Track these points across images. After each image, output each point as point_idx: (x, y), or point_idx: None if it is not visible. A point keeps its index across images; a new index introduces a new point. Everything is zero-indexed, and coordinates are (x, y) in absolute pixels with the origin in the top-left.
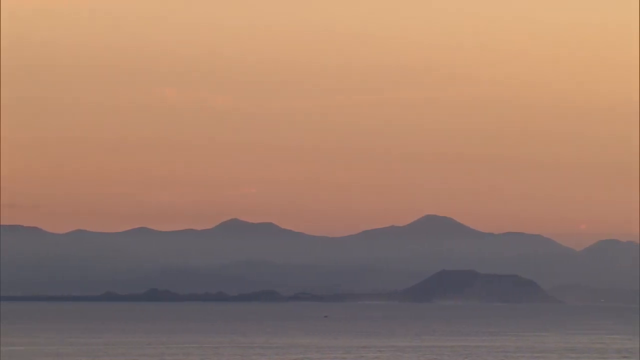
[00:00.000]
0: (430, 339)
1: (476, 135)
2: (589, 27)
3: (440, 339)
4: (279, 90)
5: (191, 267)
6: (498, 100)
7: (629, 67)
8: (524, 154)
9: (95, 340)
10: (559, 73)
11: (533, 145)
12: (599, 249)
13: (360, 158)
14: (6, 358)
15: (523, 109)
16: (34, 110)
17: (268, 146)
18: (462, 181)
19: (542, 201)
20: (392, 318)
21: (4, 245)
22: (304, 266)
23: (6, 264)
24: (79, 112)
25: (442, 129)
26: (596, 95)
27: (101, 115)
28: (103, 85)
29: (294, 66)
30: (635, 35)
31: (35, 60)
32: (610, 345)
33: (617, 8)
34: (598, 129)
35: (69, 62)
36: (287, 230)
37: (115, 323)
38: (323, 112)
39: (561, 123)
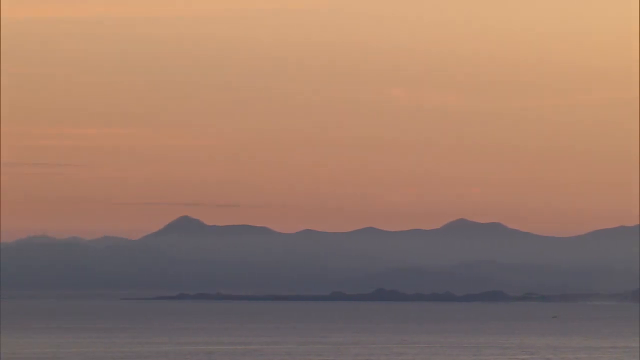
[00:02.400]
0: None
1: None
2: None
3: None
4: (508, 90)
5: (418, 267)
6: None
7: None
8: None
9: (327, 340)
10: None
11: None
12: None
13: (590, 158)
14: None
15: None
16: (268, 108)
17: (496, 146)
18: None
19: None
20: (623, 319)
21: (232, 244)
22: (531, 266)
23: (236, 264)
24: (310, 109)
25: None
26: None
27: (331, 114)
28: (338, 83)
29: (525, 66)
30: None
31: (267, 55)
32: None
33: None
34: None
35: (295, 58)
36: (515, 230)
37: (344, 322)
38: (554, 111)
39: None
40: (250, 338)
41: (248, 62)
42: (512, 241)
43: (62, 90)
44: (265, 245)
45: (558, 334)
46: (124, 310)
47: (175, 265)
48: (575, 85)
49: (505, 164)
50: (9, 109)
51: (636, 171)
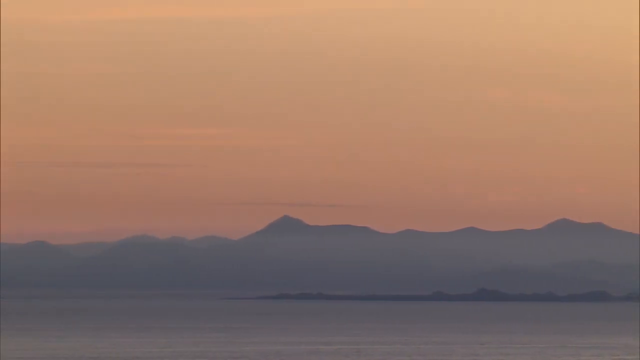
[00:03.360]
0: None
1: None
2: None
3: None
4: (609, 90)
5: (520, 267)
6: None
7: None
8: None
9: (431, 340)
10: None
11: None
12: None
13: None
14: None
15: None
16: (371, 107)
17: (598, 146)
18: None
19: None
20: None
21: (333, 244)
22: (634, 267)
23: (337, 264)
24: (413, 109)
25: None
26: None
27: (434, 114)
28: (440, 83)
29: (625, 65)
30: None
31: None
32: None
33: None
34: None
35: (401, 58)
36: (617, 230)
37: (447, 322)
38: None
39: None
40: (353, 338)
41: (352, 61)
42: (614, 241)
43: (162, 90)
44: (366, 245)
45: None
46: (226, 310)
47: (277, 265)
48: None
49: (608, 164)
50: (112, 109)
51: None
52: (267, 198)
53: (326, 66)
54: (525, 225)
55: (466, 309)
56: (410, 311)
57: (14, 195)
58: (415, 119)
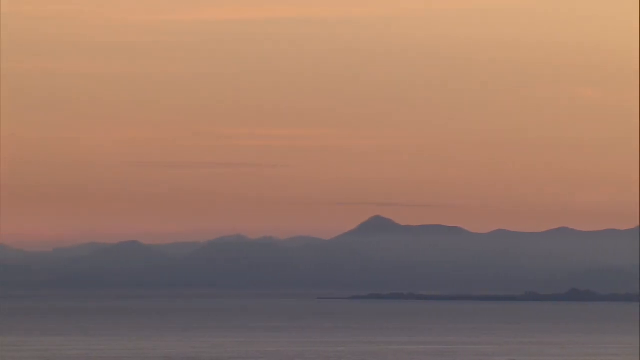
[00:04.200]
0: None
1: None
2: None
3: None
4: None
5: (613, 267)
6: None
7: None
8: None
9: (525, 340)
10: None
11: None
12: None
13: None
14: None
15: None
16: (462, 108)
17: None
18: None
19: None
20: None
21: (425, 244)
22: None
23: (428, 264)
24: (505, 109)
25: None
26: None
27: (526, 114)
28: (534, 83)
29: None
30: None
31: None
32: None
33: None
34: None
35: (489, 58)
36: None
37: (540, 323)
38: None
39: None
40: (445, 338)
41: (445, 60)
42: None
43: (254, 90)
44: (458, 245)
45: None
46: (317, 309)
47: (368, 265)
48: None
49: None
50: (202, 109)
51: None
52: (359, 198)
53: (418, 66)
54: (617, 225)
55: (558, 309)
56: (502, 311)
57: (108, 194)
58: (508, 119)
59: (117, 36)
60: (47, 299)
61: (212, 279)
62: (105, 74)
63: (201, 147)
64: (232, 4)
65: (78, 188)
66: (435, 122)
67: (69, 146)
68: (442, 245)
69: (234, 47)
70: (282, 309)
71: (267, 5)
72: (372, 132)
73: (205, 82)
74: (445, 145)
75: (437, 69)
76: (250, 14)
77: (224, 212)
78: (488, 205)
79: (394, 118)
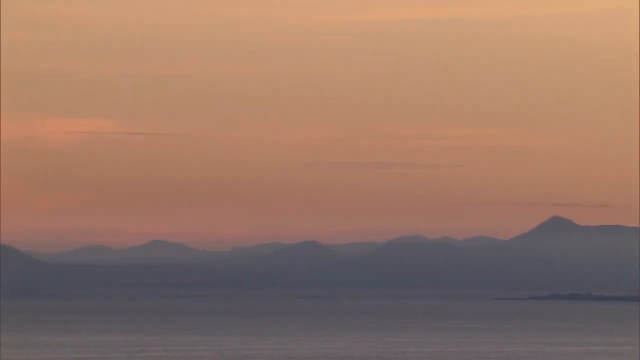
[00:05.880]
0: None
1: None
2: None
3: None
4: None
5: None
6: None
7: None
8: None
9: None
10: None
11: None
12: None
13: None
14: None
15: None
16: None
17: None
18: None
19: None
20: None
21: (604, 245)
22: None
23: (607, 264)
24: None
25: None
26: None
27: None
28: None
29: None
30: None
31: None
32: None
33: None
34: None
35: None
36: None
37: None
38: None
39: None
40: (625, 339)
41: (619, 62)
42: None
43: (433, 90)
44: (638, 246)
45: None
46: (496, 310)
47: (547, 265)
48: None
49: None
50: (382, 109)
51: None
52: (537, 198)
53: (597, 66)
54: None
55: None
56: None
57: (287, 194)
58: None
59: (303, 37)
60: (228, 299)
61: (389, 280)
62: (289, 75)
63: (380, 147)
64: (421, 4)
65: (257, 187)
66: (614, 121)
67: (252, 146)
68: (622, 245)
69: (411, 47)
70: (458, 309)
71: (450, 5)
72: (551, 131)
73: (384, 82)
74: (624, 144)
75: (614, 69)
76: (435, 14)
77: (403, 211)
78: None
79: (574, 117)
